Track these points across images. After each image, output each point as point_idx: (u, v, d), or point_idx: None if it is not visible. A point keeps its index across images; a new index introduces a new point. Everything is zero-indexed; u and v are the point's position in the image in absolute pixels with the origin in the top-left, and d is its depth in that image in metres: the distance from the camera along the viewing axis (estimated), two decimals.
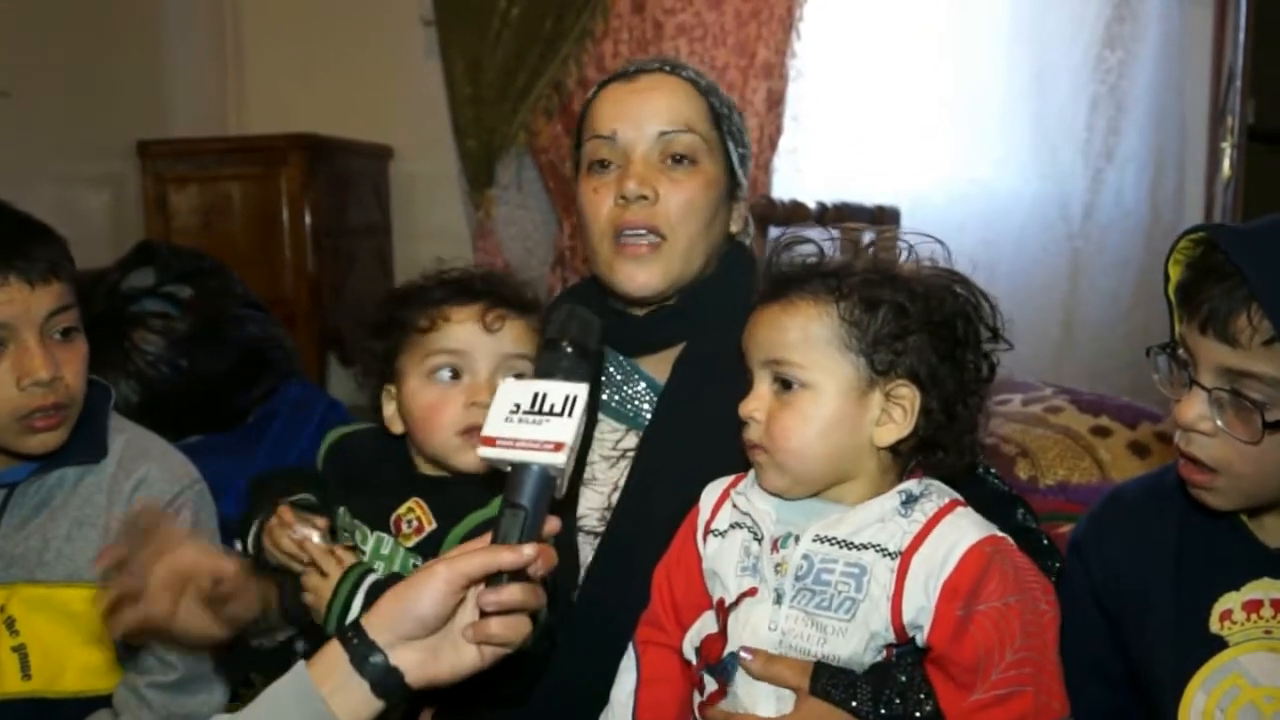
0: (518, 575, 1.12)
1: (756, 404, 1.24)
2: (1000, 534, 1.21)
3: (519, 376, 1.29)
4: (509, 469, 1.16)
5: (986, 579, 1.15)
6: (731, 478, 1.34)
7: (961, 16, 3.52)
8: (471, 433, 1.39)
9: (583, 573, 1.48)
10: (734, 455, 1.32)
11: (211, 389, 2.53)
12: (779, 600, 1.21)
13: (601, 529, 1.50)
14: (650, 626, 1.35)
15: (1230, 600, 1.26)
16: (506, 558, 1.11)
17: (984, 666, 1.14)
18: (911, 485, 1.24)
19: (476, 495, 1.40)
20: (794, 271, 1.26)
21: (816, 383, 1.21)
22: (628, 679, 1.33)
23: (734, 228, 1.63)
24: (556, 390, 1.18)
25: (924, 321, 1.22)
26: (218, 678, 1.60)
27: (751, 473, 1.30)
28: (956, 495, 1.25)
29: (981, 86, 3.53)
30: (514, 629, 1.13)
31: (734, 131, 1.61)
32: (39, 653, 1.56)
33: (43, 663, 1.56)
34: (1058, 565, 1.40)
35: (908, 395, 1.22)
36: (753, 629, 1.22)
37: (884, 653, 1.19)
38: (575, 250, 3.56)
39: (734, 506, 1.31)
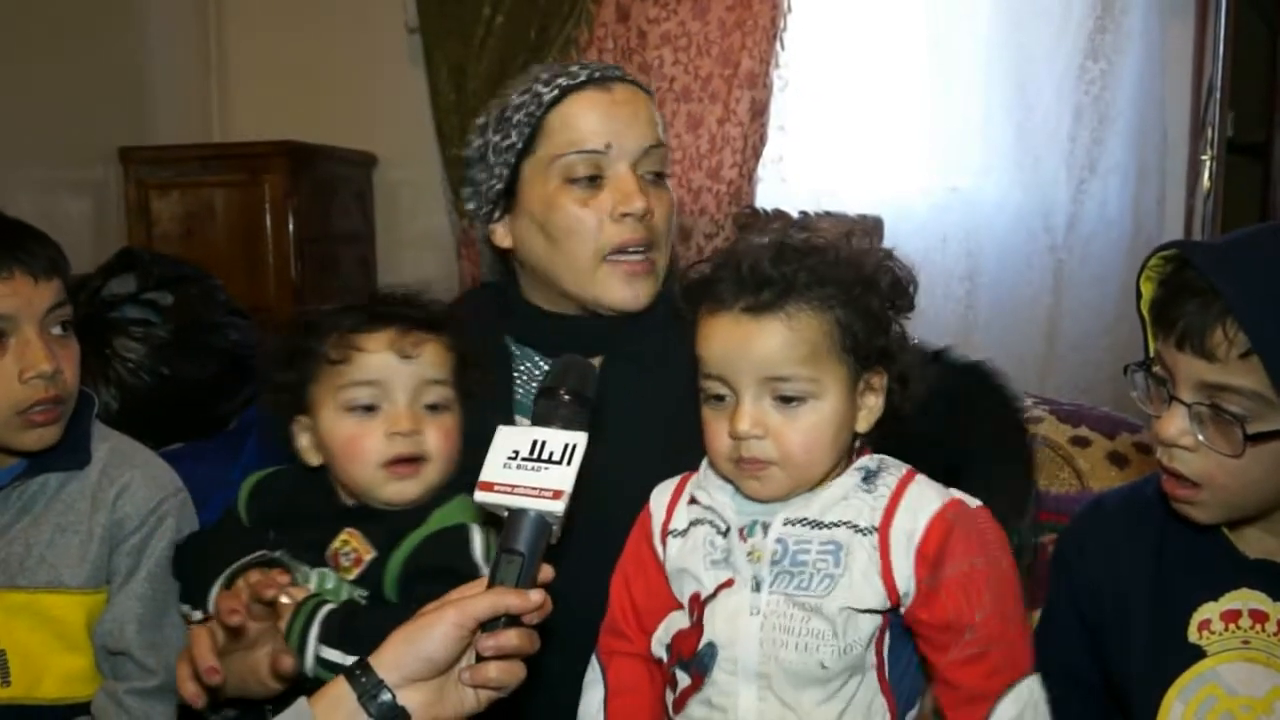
0: (514, 621, 1.13)
1: (753, 421, 1.22)
2: (959, 496, 1.25)
3: (512, 422, 1.28)
4: (505, 514, 1.16)
5: (951, 544, 1.20)
6: (677, 479, 1.36)
7: (945, 28, 3.53)
8: (395, 465, 1.38)
9: None
10: (680, 449, 1.36)
11: (193, 396, 2.52)
12: (758, 587, 1.22)
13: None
14: (612, 636, 1.35)
15: (1209, 610, 1.26)
16: (514, 601, 1.12)
17: (955, 627, 1.19)
18: (867, 462, 1.28)
19: (411, 516, 1.39)
20: (778, 276, 1.22)
21: (823, 392, 1.22)
22: (595, 692, 1.33)
23: None
24: (556, 438, 1.18)
25: (892, 311, 1.27)
26: None
27: (704, 470, 1.32)
28: (908, 465, 1.29)
29: (965, 97, 3.54)
30: (510, 673, 1.14)
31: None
32: (19, 659, 1.55)
33: (22, 669, 1.55)
34: None
35: (879, 379, 1.27)
36: (731, 617, 1.23)
37: (875, 623, 1.22)
38: None
39: (692, 504, 1.32)
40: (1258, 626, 1.24)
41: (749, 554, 1.24)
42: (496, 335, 1.65)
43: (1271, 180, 3.61)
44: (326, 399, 1.41)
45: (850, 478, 1.26)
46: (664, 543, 1.33)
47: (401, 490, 1.39)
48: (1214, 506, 1.22)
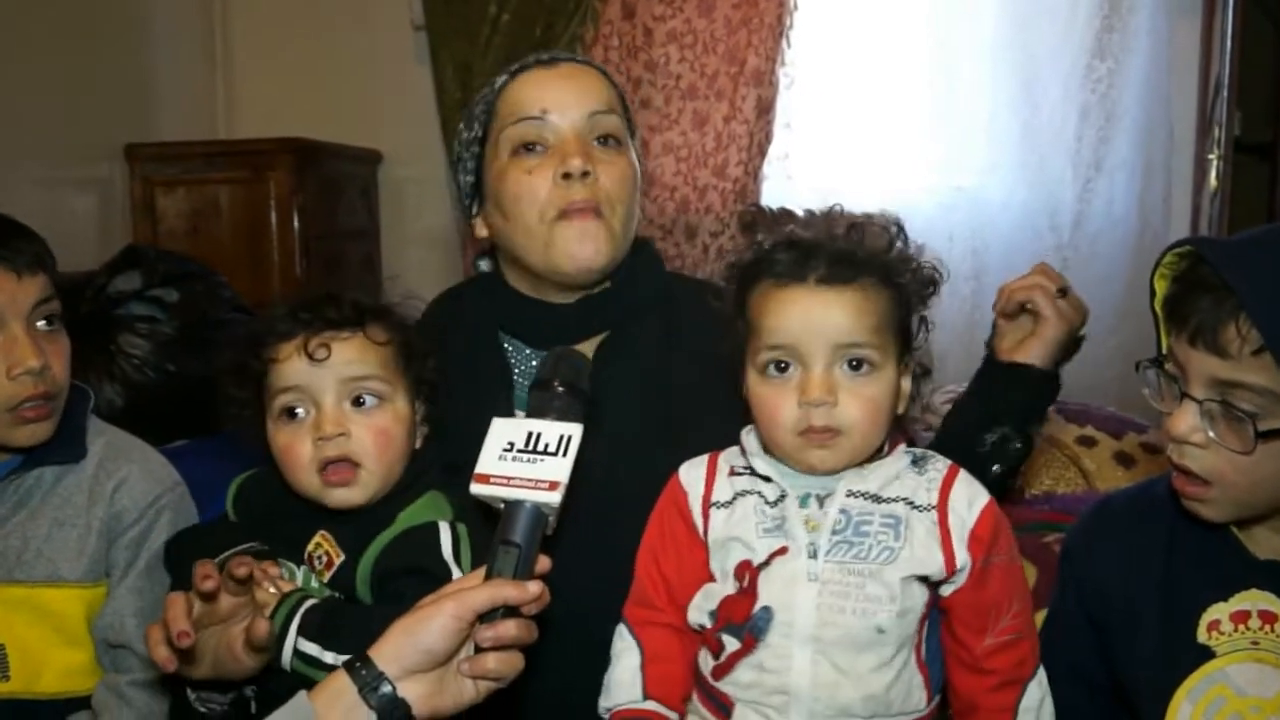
0: (512, 611, 1.14)
1: (826, 389, 1.25)
2: None
3: (507, 415, 1.27)
4: (501, 505, 1.17)
5: (999, 535, 1.29)
6: (706, 456, 1.39)
7: (951, 26, 3.53)
8: (328, 471, 1.36)
9: None
10: (678, 439, 1.41)
11: (198, 393, 2.51)
12: (814, 554, 1.26)
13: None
14: (642, 608, 1.37)
15: (1218, 611, 1.26)
16: (513, 594, 1.13)
17: (994, 614, 1.28)
18: (912, 450, 1.35)
19: (379, 516, 1.38)
20: (853, 252, 1.28)
21: (885, 362, 1.28)
22: (629, 659, 1.35)
23: None
24: (551, 430, 1.19)
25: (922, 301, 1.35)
26: None
27: (748, 444, 1.35)
28: (949, 460, 1.36)
29: (971, 95, 3.53)
30: (508, 664, 1.15)
31: (634, 127, 1.63)
32: (18, 653, 1.55)
33: (21, 664, 1.55)
34: None
35: (910, 361, 1.33)
36: (787, 583, 1.26)
37: (925, 597, 1.27)
38: None
39: (734, 476, 1.36)
40: (1267, 627, 1.23)
41: (805, 523, 1.28)
42: (490, 324, 1.66)
43: (1278, 179, 3.60)
44: (267, 410, 1.41)
45: (900, 460, 1.32)
46: (706, 515, 1.35)
47: (344, 497, 1.37)
48: (1224, 504, 1.22)
